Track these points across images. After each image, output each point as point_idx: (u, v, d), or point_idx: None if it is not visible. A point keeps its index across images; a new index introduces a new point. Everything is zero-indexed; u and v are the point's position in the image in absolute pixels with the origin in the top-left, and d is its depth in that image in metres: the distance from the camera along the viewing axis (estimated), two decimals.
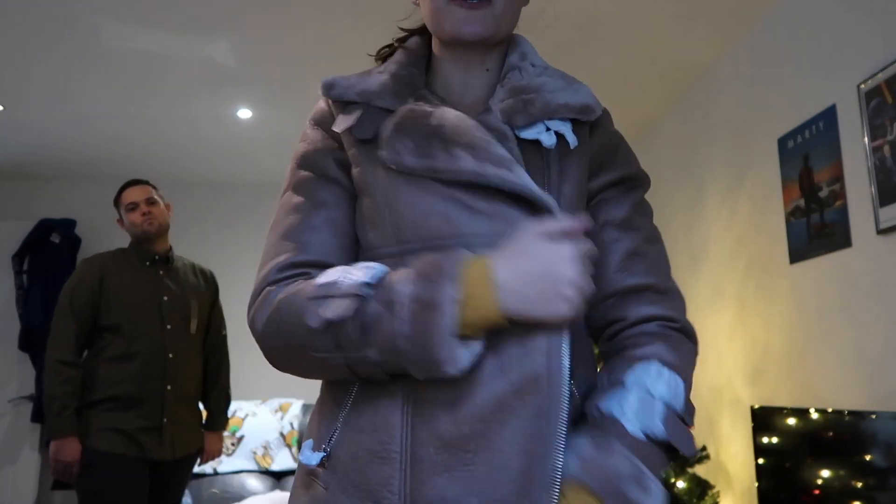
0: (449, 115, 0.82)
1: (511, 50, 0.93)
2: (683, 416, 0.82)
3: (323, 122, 0.91)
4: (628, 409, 0.79)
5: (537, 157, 0.84)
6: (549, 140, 0.83)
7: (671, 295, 0.89)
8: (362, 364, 0.75)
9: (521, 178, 0.78)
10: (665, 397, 0.81)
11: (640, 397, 0.80)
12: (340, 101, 0.88)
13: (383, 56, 0.98)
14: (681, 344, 0.87)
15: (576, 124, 0.87)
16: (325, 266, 0.81)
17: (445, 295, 0.71)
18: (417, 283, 0.72)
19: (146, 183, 2.67)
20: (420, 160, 0.80)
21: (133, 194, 2.62)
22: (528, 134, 0.83)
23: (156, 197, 2.65)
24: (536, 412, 0.74)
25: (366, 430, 0.79)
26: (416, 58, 0.93)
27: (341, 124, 0.86)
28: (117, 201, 2.65)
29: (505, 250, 0.74)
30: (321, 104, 0.93)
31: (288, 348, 0.80)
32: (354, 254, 0.87)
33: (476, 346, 0.74)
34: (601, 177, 0.90)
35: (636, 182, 0.93)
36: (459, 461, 0.73)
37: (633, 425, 0.78)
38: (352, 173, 0.87)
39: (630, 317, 0.88)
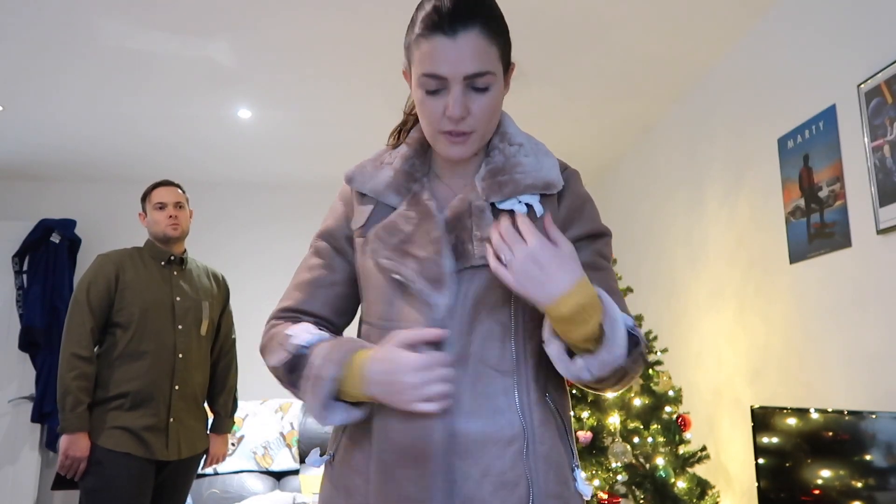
0: (422, 228, 1.05)
1: (495, 131, 1.12)
2: (641, 338, 1.03)
3: (345, 200, 1.17)
4: (609, 302, 1.00)
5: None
6: (521, 209, 1.05)
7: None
8: (297, 396, 1.07)
9: (434, 294, 1.02)
10: (630, 320, 1.03)
11: (614, 304, 1.00)
12: (359, 192, 1.14)
13: (393, 143, 1.20)
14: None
15: (544, 195, 1.09)
16: (315, 316, 1.13)
17: (329, 374, 1.00)
18: (323, 359, 1.01)
19: (178, 186, 2.68)
20: (384, 259, 1.05)
21: (163, 194, 2.63)
22: (504, 206, 1.06)
23: (184, 202, 2.67)
24: (427, 459, 0.99)
25: (351, 441, 1.08)
26: (418, 148, 1.15)
27: (357, 222, 1.13)
28: (146, 197, 2.66)
29: (380, 350, 1.00)
30: (347, 185, 1.18)
31: (269, 370, 1.12)
32: (344, 309, 1.16)
33: (356, 413, 1.02)
34: (571, 231, 1.09)
35: (598, 234, 1.12)
36: (406, 470, 0.99)
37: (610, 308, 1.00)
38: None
39: None
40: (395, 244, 1.05)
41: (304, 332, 1.07)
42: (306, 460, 1.10)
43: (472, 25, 0.98)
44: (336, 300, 1.14)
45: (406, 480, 0.98)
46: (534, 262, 0.93)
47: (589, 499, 1.06)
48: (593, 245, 1.10)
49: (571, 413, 1.14)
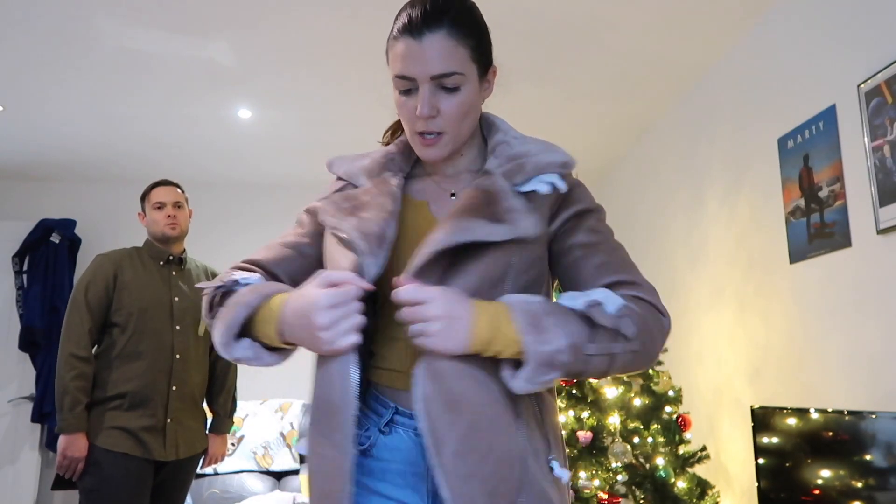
0: (378, 200, 1.07)
1: (492, 131, 1.15)
2: (613, 313, 0.97)
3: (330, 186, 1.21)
4: (565, 296, 1.01)
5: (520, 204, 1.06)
6: (544, 188, 1.06)
7: (640, 284, 1.05)
8: (212, 329, 1.06)
9: (362, 245, 1.01)
10: (598, 297, 0.98)
11: (580, 294, 1.00)
12: (337, 176, 1.18)
13: (385, 141, 1.24)
14: (642, 304, 1.02)
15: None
16: (272, 274, 1.12)
17: (245, 301, 1.00)
18: (246, 291, 1.02)
19: (177, 186, 2.68)
20: (331, 218, 1.07)
21: (162, 194, 2.62)
22: (525, 187, 1.06)
23: (183, 202, 2.66)
24: (335, 411, 0.97)
25: None
26: (407, 145, 1.17)
27: (323, 195, 1.16)
28: (145, 197, 2.66)
29: (297, 290, 0.99)
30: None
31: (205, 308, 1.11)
32: (302, 281, 1.08)
33: (263, 354, 1.02)
34: (562, 214, 1.09)
35: (589, 211, 1.11)
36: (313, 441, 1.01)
37: (562, 300, 1.00)
38: None
39: None
40: (346, 207, 1.07)
41: (248, 274, 1.08)
42: (295, 446, 1.12)
43: (437, 28, 1.01)
44: (299, 270, 1.13)
45: (323, 436, 0.97)
46: (445, 319, 0.91)
47: (565, 482, 1.05)
48: (582, 222, 1.09)
49: (557, 413, 1.13)
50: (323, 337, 0.93)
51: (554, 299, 1.08)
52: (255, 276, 1.07)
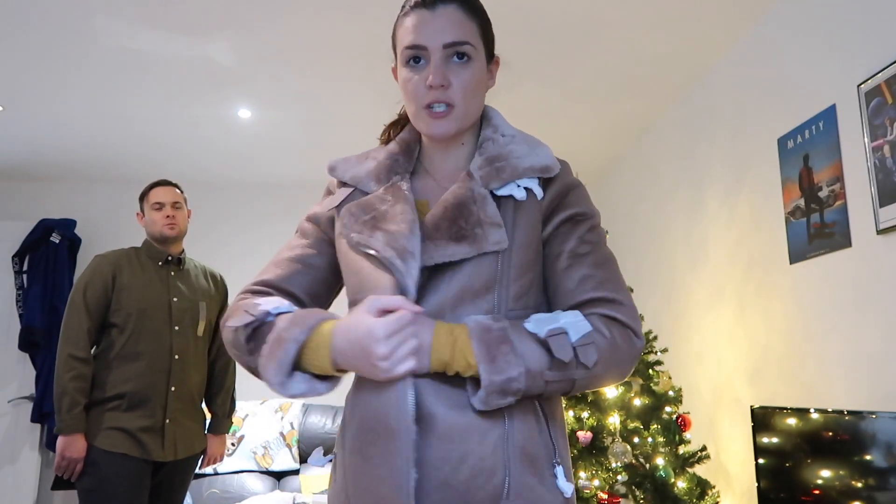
0: (396, 209, 1.05)
1: (485, 124, 1.14)
2: (574, 343, 0.98)
3: (331, 190, 1.18)
4: (533, 319, 1.01)
5: (501, 209, 1.05)
6: (519, 194, 1.05)
7: (619, 303, 1.05)
8: (247, 366, 1.04)
9: (400, 264, 1.00)
10: (563, 324, 0.99)
11: (549, 317, 1.01)
12: (341, 181, 1.15)
13: (384, 139, 1.22)
14: (615, 326, 1.03)
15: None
16: (290, 294, 1.11)
17: (293, 336, 0.98)
18: (287, 324, 1.00)
19: (176, 186, 2.68)
20: (354, 233, 1.06)
21: (161, 194, 2.62)
22: (503, 191, 1.05)
23: (182, 202, 2.66)
24: (392, 435, 0.97)
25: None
26: (409, 144, 1.17)
27: (330, 204, 1.14)
28: (143, 197, 2.66)
29: (347, 318, 0.99)
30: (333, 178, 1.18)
31: (226, 339, 1.09)
32: (318, 293, 1.14)
33: (321, 387, 1.00)
34: (555, 217, 1.08)
35: (583, 217, 1.09)
36: (358, 469, 1.00)
37: (527, 324, 1.00)
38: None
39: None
40: (367, 220, 1.06)
41: (274, 301, 1.06)
42: (309, 460, 1.11)
43: (450, 1, 1.05)
44: (313, 283, 1.13)
45: (377, 458, 0.97)
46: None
47: (569, 496, 1.04)
48: (575, 229, 1.08)
49: (563, 409, 1.13)
50: (382, 366, 0.94)
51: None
52: (283, 303, 1.05)
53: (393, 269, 1.00)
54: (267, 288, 1.11)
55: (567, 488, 1.03)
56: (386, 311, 0.96)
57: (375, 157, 1.15)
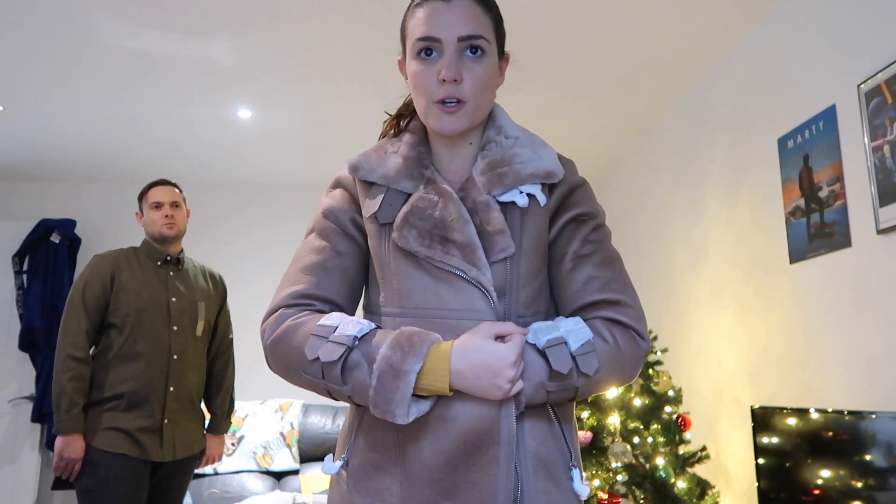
0: (449, 210, 1.02)
1: (489, 124, 1.11)
2: (574, 352, 0.99)
3: (346, 186, 1.12)
4: (533, 328, 1.01)
5: (507, 215, 1.05)
6: (522, 201, 1.04)
7: (625, 305, 1.05)
8: (338, 394, 0.99)
9: (486, 280, 1.00)
10: (563, 332, 1.00)
11: (549, 326, 1.01)
12: (365, 181, 1.09)
13: (386, 132, 1.18)
14: (619, 330, 1.03)
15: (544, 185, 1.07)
16: (330, 303, 1.06)
17: (411, 367, 0.94)
18: (393, 350, 0.95)
19: (175, 185, 2.67)
20: (422, 248, 1.01)
21: (160, 194, 2.62)
22: (504, 198, 1.04)
23: (180, 201, 2.66)
24: (493, 453, 0.97)
25: (370, 446, 1.03)
26: (422, 137, 1.13)
27: (369, 209, 1.07)
28: (142, 196, 2.65)
29: (464, 341, 0.96)
30: (344, 172, 1.12)
31: (287, 365, 1.01)
32: (355, 299, 1.11)
33: (425, 405, 0.96)
34: (560, 218, 1.07)
35: (587, 217, 1.08)
36: (442, 478, 0.97)
37: (528, 336, 1.00)
38: (368, 240, 1.09)
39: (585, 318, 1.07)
40: (429, 229, 1.01)
41: (347, 322, 0.99)
42: (322, 468, 1.07)
43: None
44: (349, 288, 1.08)
45: (472, 467, 0.96)
46: None
47: (585, 499, 1.05)
48: (580, 229, 1.07)
49: (574, 410, 1.13)
50: (506, 388, 0.95)
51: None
52: (362, 323, 1.00)
53: (484, 292, 1.00)
54: (309, 300, 1.05)
55: (583, 491, 1.03)
56: (501, 336, 0.98)
57: (396, 152, 1.10)
